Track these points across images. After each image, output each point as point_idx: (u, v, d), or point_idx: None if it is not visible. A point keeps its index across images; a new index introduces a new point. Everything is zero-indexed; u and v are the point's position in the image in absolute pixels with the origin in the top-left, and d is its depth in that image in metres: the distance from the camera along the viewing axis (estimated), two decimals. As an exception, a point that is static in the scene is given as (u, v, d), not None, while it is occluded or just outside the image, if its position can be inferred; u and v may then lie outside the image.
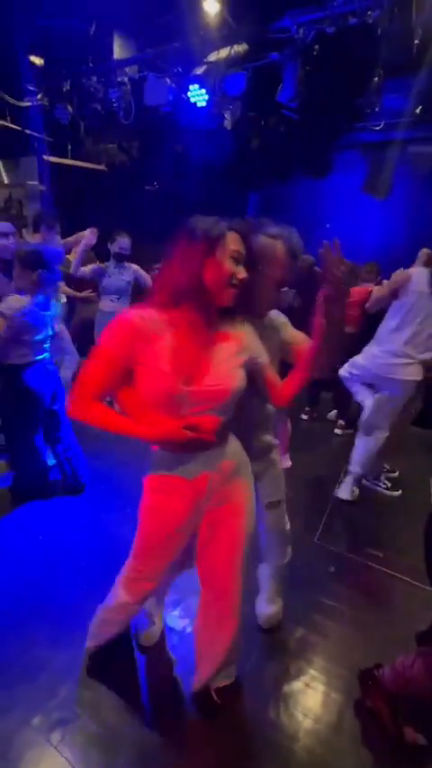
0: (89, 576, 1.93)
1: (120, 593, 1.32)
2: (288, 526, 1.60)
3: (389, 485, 2.83)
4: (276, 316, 1.38)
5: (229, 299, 1.06)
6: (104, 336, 1.06)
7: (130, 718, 1.40)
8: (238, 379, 1.09)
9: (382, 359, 2.47)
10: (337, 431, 3.68)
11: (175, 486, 1.15)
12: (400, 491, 2.80)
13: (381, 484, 2.83)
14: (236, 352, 1.11)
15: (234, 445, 1.23)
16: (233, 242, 1.03)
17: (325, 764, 1.32)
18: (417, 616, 1.85)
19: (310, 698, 1.51)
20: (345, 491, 2.68)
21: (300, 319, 1.38)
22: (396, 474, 3.01)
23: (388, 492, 2.79)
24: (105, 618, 1.44)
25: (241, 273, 1.04)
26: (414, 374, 2.38)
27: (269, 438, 1.49)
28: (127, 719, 1.40)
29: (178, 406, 1.04)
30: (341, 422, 3.71)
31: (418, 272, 2.37)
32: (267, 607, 1.74)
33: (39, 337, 2.15)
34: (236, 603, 1.27)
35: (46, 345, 2.25)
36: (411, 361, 2.38)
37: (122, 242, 3.29)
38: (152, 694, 1.48)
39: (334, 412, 3.93)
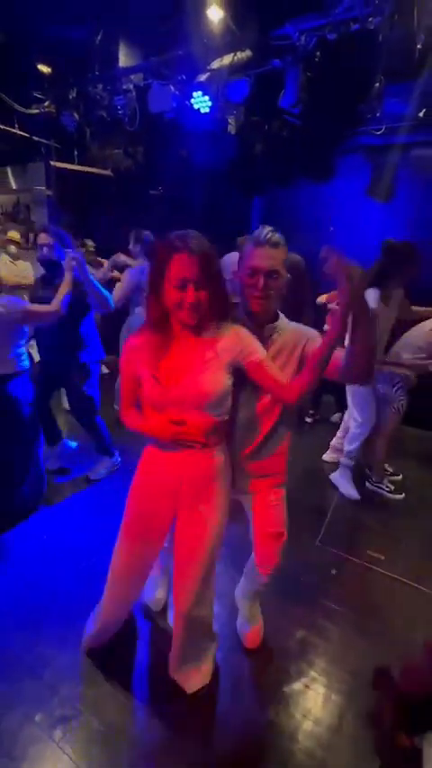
0: (93, 576, 1.95)
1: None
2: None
3: (392, 488, 2.82)
4: (306, 330, 1.33)
5: (186, 319, 1.15)
6: (120, 358, 1.32)
7: (132, 717, 1.42)
8: (217, 381, 1.18)
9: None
10: (340, 434, 3.67)
11: (158, 465, 1.30)
12: (403, 494, 2.80)
13: (384, 487, 2.83)
14: (217, 355, 1.19)
15: (221, 458, 1.30)
16: (177, 267, 1.10)
17: (324, 767, 1.32)
18: (418, 619, 1.86)
19: (310, 699, 1.52)
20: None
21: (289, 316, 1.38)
22: (400, 477, 3.01)
23: (391, 495, 2.79)
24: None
25: (189, 297, 1.11)
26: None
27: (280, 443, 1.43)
28: (128, 718, 1.42)
29: (166, 407, 1.20)
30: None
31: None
32: (246, 626, 1.72)
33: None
34: (189, 604, 1.34)
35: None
36: None
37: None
38: (153, 693, 1.50)
39: (337, 415, 3.93)
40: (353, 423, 2.78)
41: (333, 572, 2.11)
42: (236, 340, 1.20)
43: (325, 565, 2.15)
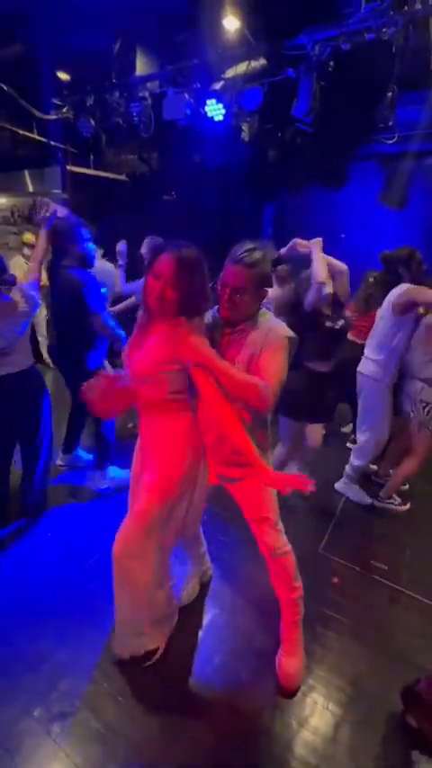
0: (95, 575, 1.98)
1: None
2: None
3: (399, 500, 2.78)
4: (269, 334, 1.37)
5: (151, 304, 1.32)
6: None
7: (129, 715, 1.43)
8: (154, 360, 1.33)
9: None
10: (350, 445, 3.63)
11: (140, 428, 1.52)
12: (408, 504, 2.76)
13: (393, 503, 2.77)
14: (161, 342, 1.33)
15: (179, 424, 1.41)
16: (158, 263, 1.28)
17: (318, 775, 1.32)
18: (418, 631, 1.83)
19: (307, 708, 1.51)
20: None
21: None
22: (406, 487, 2.97)
23: (399, 508, 2.75)
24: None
25: (157, 288, 1.28)
26: None
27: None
28: (125, 716, 1.43)
29: (130, 379, 1.41)
30: (354, 436, 3.66)
31: None
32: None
33: None
34: (121, 546, 1.42)
35: None
36: None
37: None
38: (151, 695, 1.51)
39: (350, 426, 3.88)
40: (359, 434, 2.72)
41: (334, 580, 2.10)
42: (185, 336, 1.30)
43: (326, 573, 2.13)
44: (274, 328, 1.38)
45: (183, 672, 1.60)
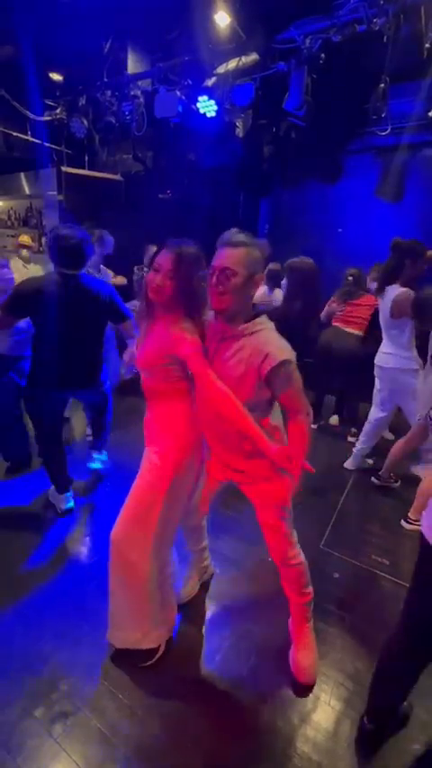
0: (97, 574, 1.98)
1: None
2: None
3: (399, 480, 2.84)
4: (267, 347, 1.26)
5: (152, 295, 1.38)
6: None
7: (130, 716, 1.43)
8: (152, 354, 1.40)
9: None
10: (351, 439, 3.63)
11: None
12: (399, 482, 2.85)
13: (391, 482, 2.85)
14: (158, 337, 1.40)
15: (174, 411, 1.47)
16: (159, 257, 1.36)
17: (320, 771, 1.31)
18: (420, 625, 1.82)
19: (309, 703, 1.51)
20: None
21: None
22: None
23: (396, 484, 2.84)
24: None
25: (157, 280, 1.35)
26: None
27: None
28: (126, 716, 1.43)
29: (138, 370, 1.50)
30: (353, 429, 3.66)
31: None
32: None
33: None
34: (118, 531, 1.47)
35: None
36: None
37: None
38: (152, 693, 1.51)
39: (335, 417, 3.92)
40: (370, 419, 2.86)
41: (336, 575, 2.09)
42: (177, 332, 1.34)
43: (328, 568, 2.13)
44: (271, 353, 1.22)
45: (184, 670, 1.60)
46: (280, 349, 1.25)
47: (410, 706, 1.46)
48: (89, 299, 2.10)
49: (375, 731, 1.38)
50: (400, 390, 2.64)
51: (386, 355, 2.68)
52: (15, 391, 2.62)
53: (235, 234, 1.27)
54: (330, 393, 3.95)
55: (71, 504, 2.44)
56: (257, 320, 1.32)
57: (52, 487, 2.47)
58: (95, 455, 2.76)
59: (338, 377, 3.60)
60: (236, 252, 1.25)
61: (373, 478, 2.88)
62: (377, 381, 2.80)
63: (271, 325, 1.35)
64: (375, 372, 2.78)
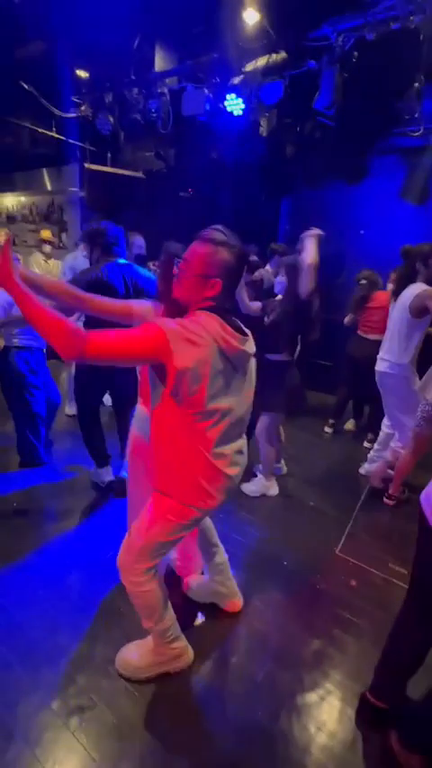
0: (113, 571, 1.99)
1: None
2: None
3: (407, 493, 2.79)
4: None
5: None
6: None
7: (145, 711, 1.43)
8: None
9: None
10: (367, 444, 3.59)
11: None
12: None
13: (402, 497, 2.79)
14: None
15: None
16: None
17: (337, 781, 1.29)
18: (441, 638, 1.78)
19: (325, 712, 1.49)
20: None
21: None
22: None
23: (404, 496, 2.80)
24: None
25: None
26: None
27: None
28: (142, 712, 1.43)
29: None
30: (370, 435, 3.61)
31: None
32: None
33: None
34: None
35: None
36: None
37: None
38: (167, 690, 1.51)
39: (351, 422, 3.89)
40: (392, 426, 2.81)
41: (352, 583, 2.06)
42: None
43: (344, 575, 2.10)
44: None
45: (198, 671, 1.59)
46: (166, 320, 1.17)
47: None
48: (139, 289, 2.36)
49: (378, 709, 1.40)
50: (393, 397, 2.66)
51: (383, 361, 2.67)
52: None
53: (213, 230, 1.22)
54: (355, 400, 3.93)
55: (111, 476, 2.67)
56: (198, 311, 1.22)
57: (94, 467, 2.68)
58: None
59: (364, 385, 3.57)
60: (201, 248, 1.21)
61: (385, 499, 2.76)
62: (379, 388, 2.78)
63: (206, 314, 1.21)
64: (376, 378, 2.76)
